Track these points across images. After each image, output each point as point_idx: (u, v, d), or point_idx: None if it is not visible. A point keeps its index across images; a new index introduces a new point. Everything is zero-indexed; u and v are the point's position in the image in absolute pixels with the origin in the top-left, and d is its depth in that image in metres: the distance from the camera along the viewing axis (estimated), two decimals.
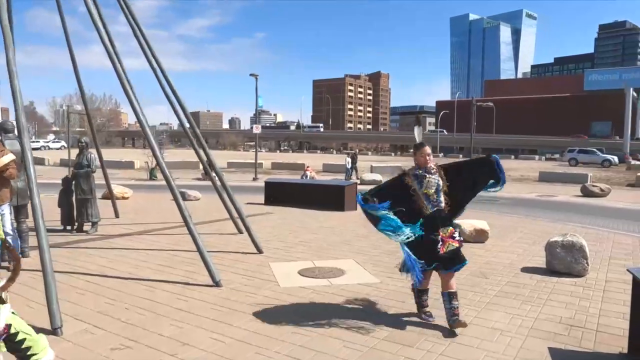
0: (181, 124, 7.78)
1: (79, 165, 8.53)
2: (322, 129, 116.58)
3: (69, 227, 8.76)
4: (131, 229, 9.14)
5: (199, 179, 25.51)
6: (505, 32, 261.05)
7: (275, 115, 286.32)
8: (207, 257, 5.55)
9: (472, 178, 4.67)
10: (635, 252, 7.81)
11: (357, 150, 32.74)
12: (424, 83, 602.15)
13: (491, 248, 7.86)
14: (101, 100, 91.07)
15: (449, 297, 4.33)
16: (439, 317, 4.53)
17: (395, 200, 4.27)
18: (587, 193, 18.34)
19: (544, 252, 6.75)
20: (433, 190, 4.37)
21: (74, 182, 8.65)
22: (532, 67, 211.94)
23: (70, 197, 8.73)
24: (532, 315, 4.66)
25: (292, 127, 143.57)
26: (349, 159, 26.97)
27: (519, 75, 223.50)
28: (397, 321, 4.46)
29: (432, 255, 4.33)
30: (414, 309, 4.76)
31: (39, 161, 36.85)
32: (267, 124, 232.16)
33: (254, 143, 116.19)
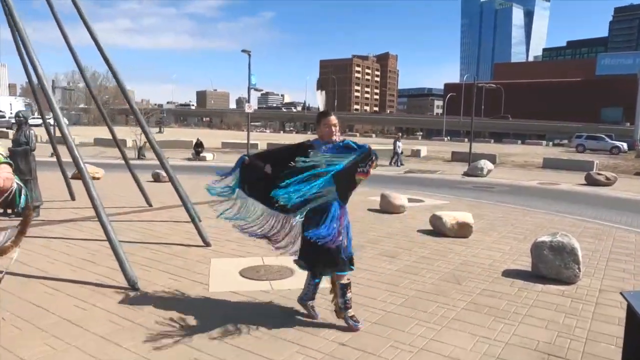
0: (127, 100, 6.81)
1: (17, 143, 7.67)
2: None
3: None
4: (79, 214, 8.30)
5: (189, 159, 24.73)
6: (517, 14, 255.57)
7: (282, 95, 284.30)
8: (122, 253, 4.69)
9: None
10: (638, 253, 6.86)
11: (399, 135, 28.18)
12: (433, 65, 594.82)
13: (473, 244, 6.95)
14: (104, 77, 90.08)
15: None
16: (386, 338, 3.66)
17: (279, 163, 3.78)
18: (591, 181, 17.33)
19: None
20: None
21: None
22: (544, 50, 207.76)
23: None
24: (502, 338, 3.76)
25: (299, 108, 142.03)
26: (399, 143, 23.97)
27: (530, 59, 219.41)
28: (333, 342, 3.59)
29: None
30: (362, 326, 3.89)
31: None
32: (274, 104, 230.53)
33: (259, 123, 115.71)
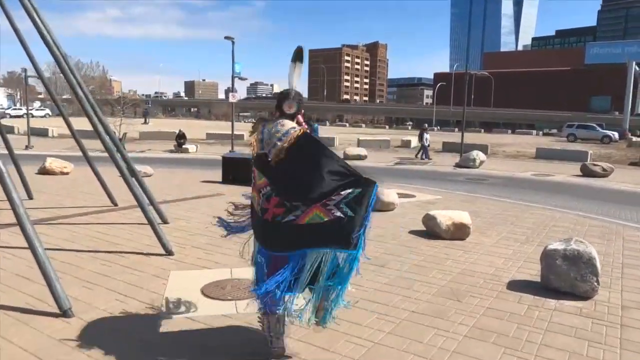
0: (71, 87, 5.88)
1: None
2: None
3: None
4: (32, 215, 7.35)
5: (171, 151, 23.75)
6: (507, 3, 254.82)
7: (272, 85, 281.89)
8: (51, 271, 3.87)
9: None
10: None
11: (426, 126, 24.72)
12: (423, 55, 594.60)
13: (472, 248, 6.21)
14: (88, 67, 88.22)
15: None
16: None
17: None
18: (587, 172, 16.71)
19: (538, 256, 5.17)
20: None
21: None
22: (533, 39, 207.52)
23: None
24: None
25: None
26: (427, 136, 22.37)
27: (520, 48, 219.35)
28: None
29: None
30: None
31: (8, 130, 34.82)
32: (264, 94, 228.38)
33: (248, 114, 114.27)
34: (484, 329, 3.76)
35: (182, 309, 4.01)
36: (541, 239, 6.82)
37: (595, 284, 4.45)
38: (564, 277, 4.50)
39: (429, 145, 22.51)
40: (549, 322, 3.94)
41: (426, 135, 22.34)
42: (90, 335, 3.47)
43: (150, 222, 5.55)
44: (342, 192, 2.83)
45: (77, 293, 4.21)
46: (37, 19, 5.26)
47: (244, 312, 3.94)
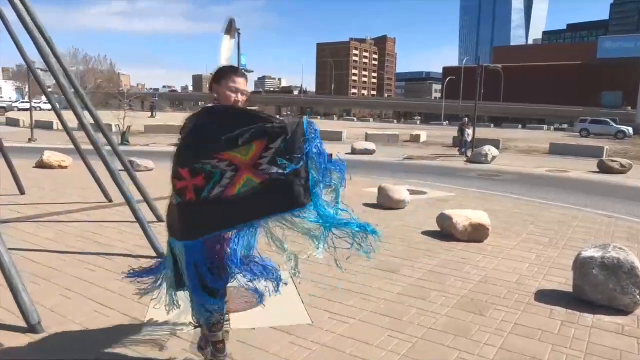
0: (56, 79, 5.38)
1: None
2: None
3: None
4: (21, 212, 6.97)
5: (175, 145, 23.28)
6: None
7: (279, 79, 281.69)
8: (18, 282, 3.39)
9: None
10: None
11: (466, 120, 22.06)
12: (432, 49, 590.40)
13: (491, 251, 5.69)
14: (95, 60, 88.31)
15: None
16: None
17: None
18: (604, 169, 16.08)
19: (567, 262, 4.71)
20: None
21: None
22: (544, 33, 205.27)
23: None
24: None
25: (296, 92, 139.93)
26: (469, 131, 21.02)
27: (530, 42, 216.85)
28: None
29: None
30: None
31: (15, 122, 34.66)
32: (271, 89, 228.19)
33: (256, 108, 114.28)
34: (515, 352, 3.25)
35: (168, 323, 3.54)
36: (566, 242, 6.30)
37: (638, 297, 3.92)
38: (602, 289, 3.98)
39: (470, 141, 21.14)
40: (588, 342, 3.42)
41: (468, 131, 21.04)
42: (55, 354, 3.00)
43: (140, 221, 5.09)
44: (271, 146, 2.33)
45: (53, 303, 3.76)
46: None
47: (238, 327, 3.48)
